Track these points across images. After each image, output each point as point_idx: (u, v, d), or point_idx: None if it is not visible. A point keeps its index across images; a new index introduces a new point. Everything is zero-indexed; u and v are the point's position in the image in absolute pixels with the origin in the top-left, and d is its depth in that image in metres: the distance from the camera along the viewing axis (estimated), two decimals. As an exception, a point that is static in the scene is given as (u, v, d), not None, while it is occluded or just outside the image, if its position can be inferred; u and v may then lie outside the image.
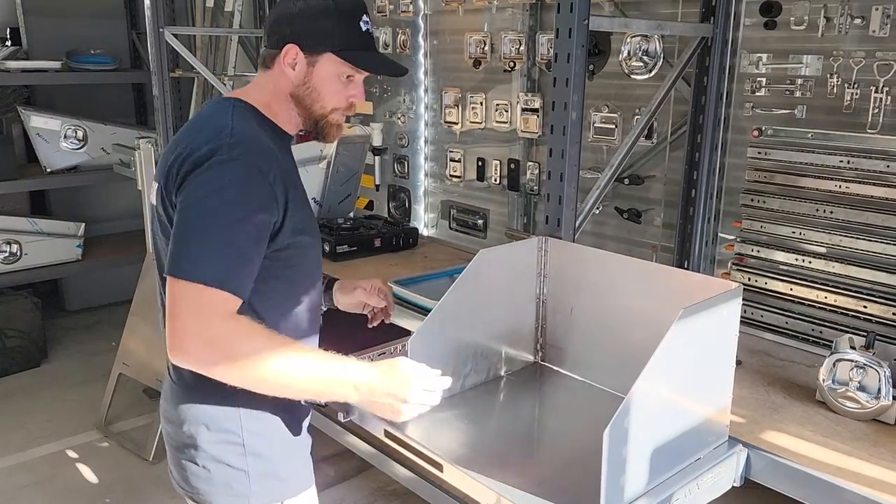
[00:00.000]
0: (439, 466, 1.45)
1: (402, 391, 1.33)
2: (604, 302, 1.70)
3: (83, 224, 4.50)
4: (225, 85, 3.72)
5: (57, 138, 4.38)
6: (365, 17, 1.43)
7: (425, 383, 1.36)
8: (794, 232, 1.95)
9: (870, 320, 1.83)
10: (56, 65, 4.37)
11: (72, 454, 3.37)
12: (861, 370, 1.60)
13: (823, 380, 1.64)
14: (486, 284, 1.67)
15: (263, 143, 1.35)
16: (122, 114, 5.01)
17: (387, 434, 1.56)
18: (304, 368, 1.28)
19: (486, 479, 1.33)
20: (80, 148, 4.44)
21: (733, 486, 1.49)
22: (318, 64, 1.39)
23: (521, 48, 2.71)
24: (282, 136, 1.45)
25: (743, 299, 2.09)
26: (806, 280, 1.95)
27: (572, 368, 1.80)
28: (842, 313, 1.88)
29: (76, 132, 4.42)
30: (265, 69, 1.43)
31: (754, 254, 2.04)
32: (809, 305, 1.94)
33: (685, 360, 1.32)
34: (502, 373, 1.79)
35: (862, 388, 1.59)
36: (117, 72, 4.71)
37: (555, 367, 1.82)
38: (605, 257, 1.70)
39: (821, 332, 1.91)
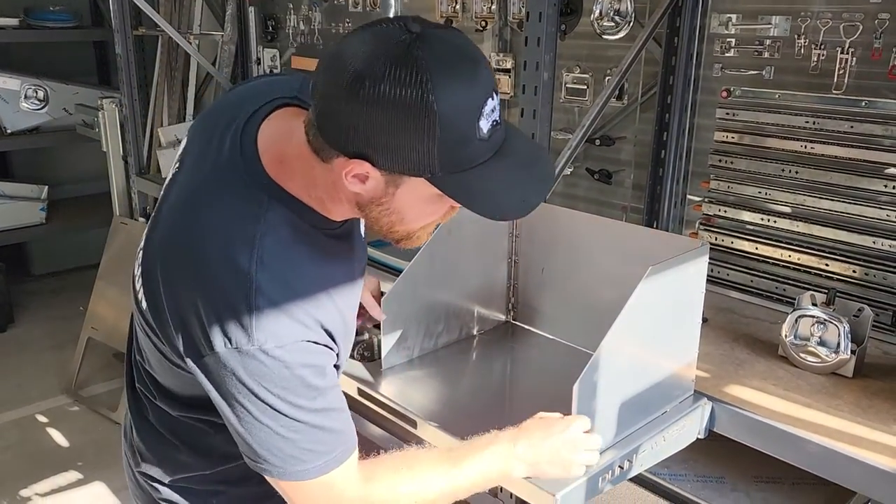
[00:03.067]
0: (413, 423, 1.47)
1: (568, 451, 1.23)
2: (574, 261, 1.72)
3: (46, 187, 4.41)
4: (190, 44, 3.63)
5: (17, 98, 4.26)
6: (489, 106, 0.88)
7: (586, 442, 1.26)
8: (760, 192, 1.98)
9: (831, 278, 1.88)
10: (13, 22, 4.23)
11: (41, 419, 3.35)
12: (822, 326, 1.64)
13: (786, 335, 1.68)
14: (458, 244, 1.68)
15: (314, 285, 0.98)
16: (84, 73, 4.88)
17: (360, 392, 1.57)
18: (471, 474, 1.13)
19: (458, 436, 1.36)
20: (41, 108, 4.33)
21: (697, 439, 1.54)
22: (403, 185, 0.92)
23: (493, 7, 2.68)
24: (339, 231, 1.06)
25: (710, 259, 2.13)
26: (771, 239, 1.99)
27: (544, 327, 1.83)
28: (805, 271, 1.93)
29: (36, 92, 4.30)
30: (317, 158, 0.94)
31: (721, 214, 2.07)
32: (774, 264, 1.99)
33: (652, 317, 1.35)
34: (475, 332, 1.81)
35: (822, 343, 1.64)
36: (78, 29, 4.58)
37: (526, 327, 1.85)
38: (576, 217, 1.72)
39: (784, 290, 1.96)
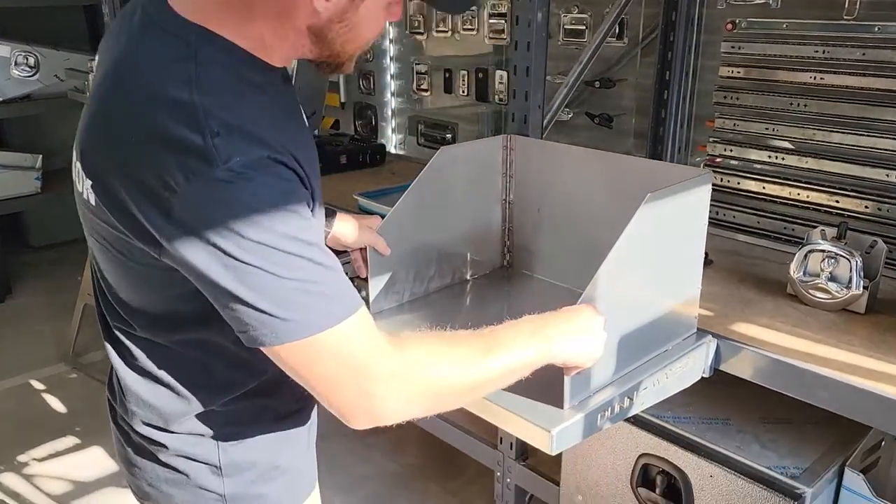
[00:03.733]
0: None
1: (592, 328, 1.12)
2: (572, 200, 1.64)
3: (40, 156, 4.34)
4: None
5: (7, 65, 4.17)
6: None
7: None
8: (767, 128, 1.90)
9: (842, 215, 1.80)
10: (1, -14, 4.14)
11: (39, 386, 3.32)
12: (832, 260, 1.57)
13: (794, 272, 1.61)
14: (448, 185, 1.60)
15: (262, 114, 0.89)
16: (74, 38, 4.78)
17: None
18: (510, 354, 1.00)
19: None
20: (33, 75, 4.24)
21: (703, 378, 1.47)
22: None
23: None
24: (272, 77, 0.96)
25: (715, 201, 2.06)
26: (778, 177, 1.91)
27: (541, 271, 1.75)
28: (814, 209, 1.85)
29: (27, 58, 4.21)
30: None
31: (727, 153, 1.99)
32: (782, 203, 1.91)
33: (651, 248, 1.27)
34: (468, 276, 1.74)
35: (833, 279, 1.56)
36: (67, -7, 4.48)
37: (523, 271, 1.78)
38: (572, 152, 1.64)
39: (793, 230, 1.88)
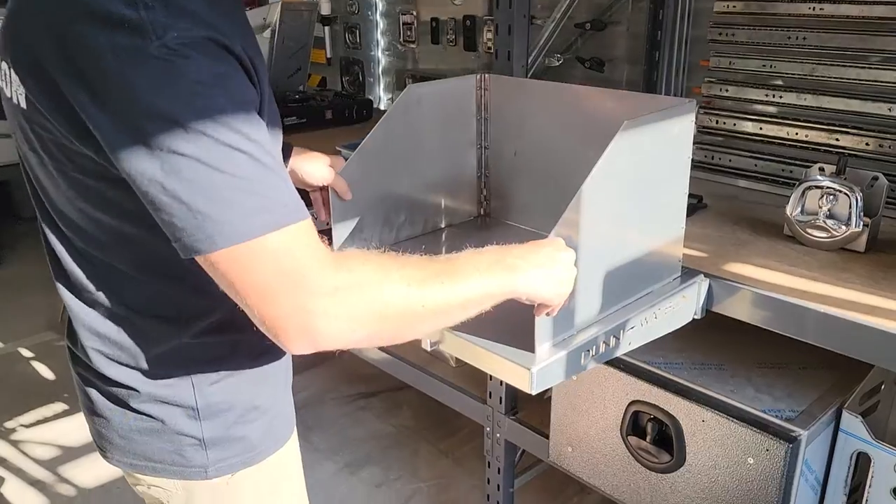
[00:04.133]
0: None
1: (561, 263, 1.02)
2: (550, 142, 1.55)
3: (26, 123, 4.25)
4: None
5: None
6: None
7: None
8: (764, 65, 1.81)
9: (842, 154, 1.72)
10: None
11: (27, 353, 3.27)
12: (831, 197, 1.49)
13: (791, 211, 1.53)
14: (417, 127, 1.51)
15: None
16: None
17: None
18: (468, 281, 0.89)
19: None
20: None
21: (696, 322, 1.40)
22: None
23: None
24: None
25: (710, 144, 1.98)
26: (776, 117, 1.83)
27: (520, 219, 1.67)
28: (813, 149, 1.77)
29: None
30: None
31: (722, 94, 1.91)
32: (780, 144, 1.83)
33: (630, 180, 1.19)
34: (442, 225, 1.66)
35: (831, 216, 1.49)
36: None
37: (501, 219, 1.70)
38: (549, 88, 1.55)
39: (791, 172, 1.80)
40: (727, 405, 1.40)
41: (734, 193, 1.89)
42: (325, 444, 2.65)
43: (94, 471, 2.52)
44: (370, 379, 2.99)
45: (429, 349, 1.23)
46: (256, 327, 0.96)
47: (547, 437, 1.77)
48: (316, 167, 1.31)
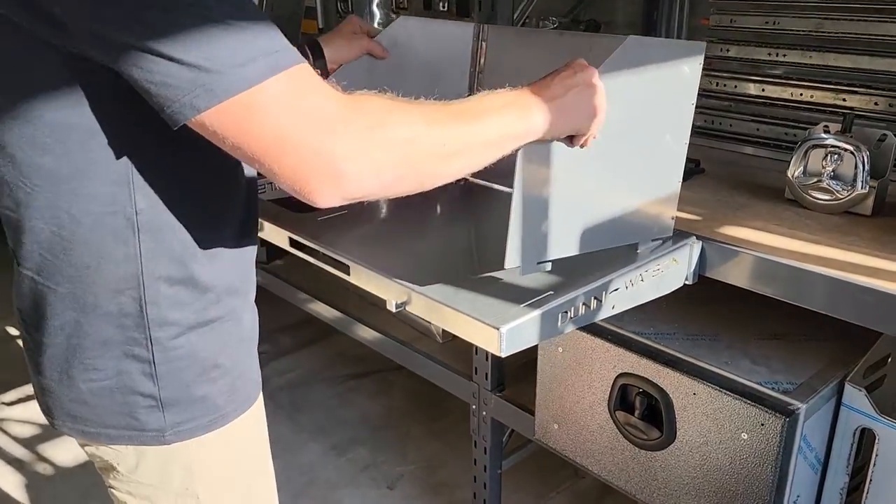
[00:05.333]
0: (346, 269, 1.25)
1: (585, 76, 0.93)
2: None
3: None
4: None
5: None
6: None
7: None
8: (767, 21, 1.70)
9: (850, 114, 1.61)
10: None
11: (13, 332, 3.22)
12: (836, 157, 1.39)
13: (793, 172, 1.43)
14: (404, 69, 1.42)
15: None
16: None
17: (292, 243, 1.36)
18: (484, 122, 0.84)
19: (394, 279, 1.15)
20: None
21: (689, 292, 1.31)
22: None
23: None
24: None
25: (710, 108, 1.88)
26: (780, 77, 1.72)
27: (508, 182, 1.57)
28: (818, 110, 1.66)
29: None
30: None
31: (723, 54, 1.80)
32: (783, 106, 1.72)
33: (626, 105, 1.09)
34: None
35: (835, 177, 1.39)
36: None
37: (486, 183, 1.60)
38: (549, 38, 1.46)
39: (794, 136, 1.70)
40: (720, 377, 1.30)
41: (734, 159, 1.79)
42: (312, 426, 2.58)
43: (74, 450, 2.45)
44: (362, 360, 2.91)
45: (394, 310, 1.14)
46: (215, 273, 0.86)
47: (533, 413, 1.68)
48: (345, 43, 1.33)
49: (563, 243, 1.09)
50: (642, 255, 1.22)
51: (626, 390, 1.41)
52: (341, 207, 1.40)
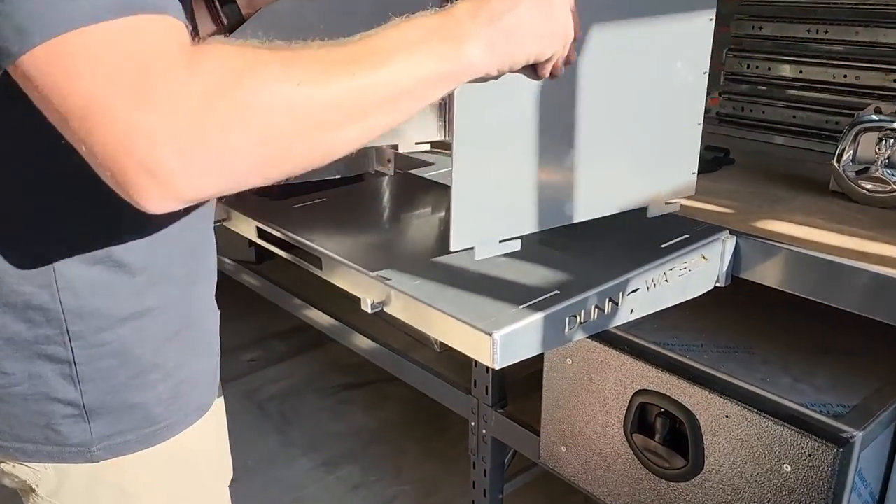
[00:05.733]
0: (317, 262, 1.08)
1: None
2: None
3: None
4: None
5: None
6: None
7: None
8: (807, -6, 1.51)
9: (903, 96, 1.42)
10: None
11: None
12: (891, 141, 1.20)
13: (840, 160, 1.24)
14: (351, 6, 1.21)
15: None
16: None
17: (260, 233, 1.18)
18: (390, 67, 0.62)
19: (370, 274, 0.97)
20: None
21: (717, 288, 1.12)
22: None
23: None
24: None
25: (740, 94, 1.69)
26: (820, 56, 1.53)
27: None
28: (865, 93, 1.47)
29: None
30: None
31: (756, 33, 1.61)
32: (823, 89, 1.53)
33: (624, 69, 0.92)
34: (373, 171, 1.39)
35: (890, 165, 1.19)
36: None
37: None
38: None
39: (837, 124, 1.51)
40: (757, 397, 1.11)
41: (767, 150, 1.60)
42: (301, 439, 2.39)
43: None
44: (357, 369, 2.72)
45: (370, 311, 0.96)
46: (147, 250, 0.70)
47: (538, 434, 1.48)
48: None
49: (538, 212, 0.91)
50: (666, 250, 1.03)
51: (645, 410, 1.22)
52: (316, 192, 1.23)
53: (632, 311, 0.98)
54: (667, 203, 1.05)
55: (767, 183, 1.36)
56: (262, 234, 1.18)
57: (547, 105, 0.86)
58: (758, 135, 1.62)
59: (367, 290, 0.98)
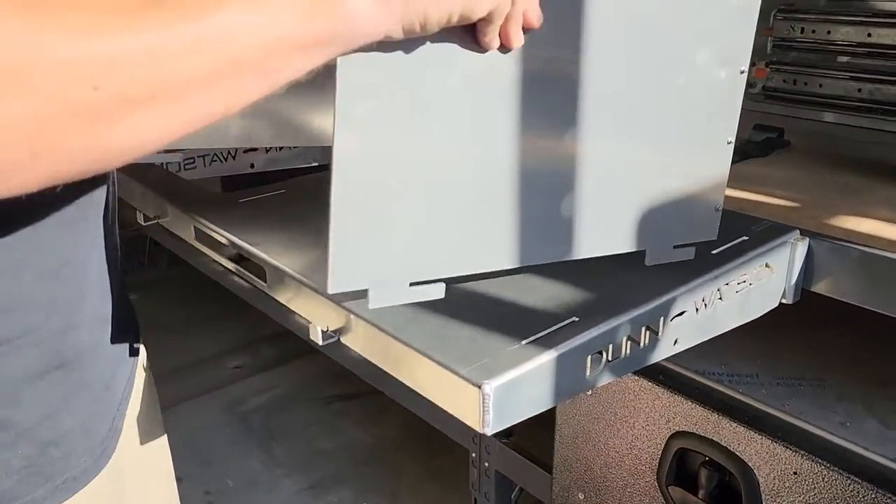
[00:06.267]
0: (262, 274, 0.83)
1: None
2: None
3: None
4: None
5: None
6: None
7: None
8: (877, -60, 1.25)
9: None
10: None
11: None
12: None
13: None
14: None
15: None
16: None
17: (198, 235, 0.94)
18: (215, 15, 0.39)
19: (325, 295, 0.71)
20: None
21: (782, 304, 0.86)
22: None
23: None
24: None
25: (792, 64, 1.42)
26: (891, 15, 1.26)
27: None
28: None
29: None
30: None
31: (812, -10, 1.34)
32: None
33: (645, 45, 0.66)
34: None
35: None
36: None
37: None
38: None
39: (914, 97, 1.24)
40: (837, 449, 0.85)
41: (826, 130, 1.34)
42: (288, 458, 2.16)
43: None
44: (352, 377, 2.47)
45: (321, 342, 0.71)
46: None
47: (550, 471, 1.24)
48: None
49: (476, 247, 0.64)
50: (720, 258, 0.77)
51: (685, 458, 0.97)
52: (276, 183, 0.98)
53: (676, 342, 0.72)
54: (675, 248, 0.75)
55: (834, 170, 1.10)
56: (199, 235, 0.94)
57: (499, 94, 0.59)
58: (813, 111, 1.36)
59: (319, 313, 0.74)
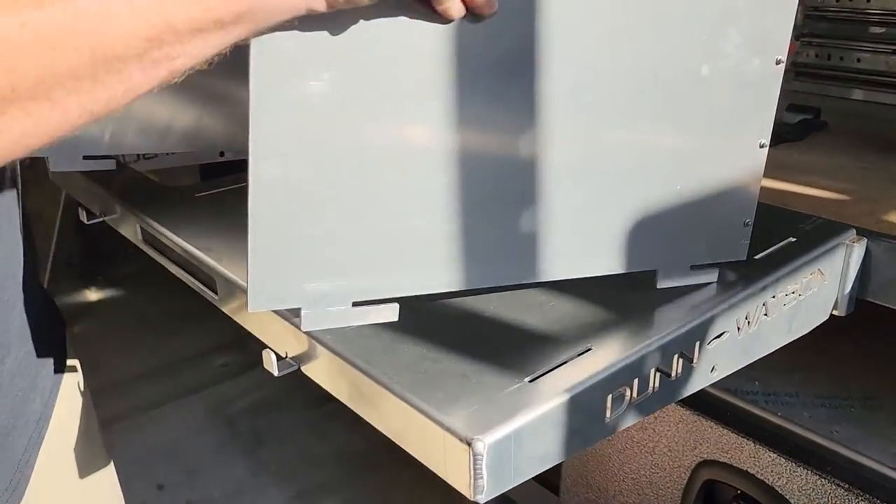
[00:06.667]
0: (212, 285, 0.70)
1: None
2: None
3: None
4: None
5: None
6: None
7: None
8: None
9: None
10: None
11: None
12: None
13: None
14: None
15: None
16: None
17: (145, 236, 0.81)
18: None
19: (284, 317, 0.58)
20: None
21: (832, 316, 0.72)
22: None
23: None
24: None
25: (825, 36, 1.28)
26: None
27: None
28: None
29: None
30: None
31: (848, -47, 1.20)
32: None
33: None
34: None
35: None
36: None
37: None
38: None
39: (967, 73, 1.10)
40: (894, 485, 0.72)
41: (866, 111, 1.20)
42: (276, 464, 2.05)
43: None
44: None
45: (276, 373, 0.58)
46: None
47: (557, 492, 1.11)
48: None
49: (433, 265, 0.52)
50: (765, 264, 0.63)
51: (715, 490, 0.84)
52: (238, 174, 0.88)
53: (713, 370, 0.59)
54: (692, 268, 0.60)
55: (880, 155, 0.96)
56: (146, 237, 0.80)
57: (457, 80, 0.46)
58: (851, 89, 1.22)
59: (276, 335, 0.60)
